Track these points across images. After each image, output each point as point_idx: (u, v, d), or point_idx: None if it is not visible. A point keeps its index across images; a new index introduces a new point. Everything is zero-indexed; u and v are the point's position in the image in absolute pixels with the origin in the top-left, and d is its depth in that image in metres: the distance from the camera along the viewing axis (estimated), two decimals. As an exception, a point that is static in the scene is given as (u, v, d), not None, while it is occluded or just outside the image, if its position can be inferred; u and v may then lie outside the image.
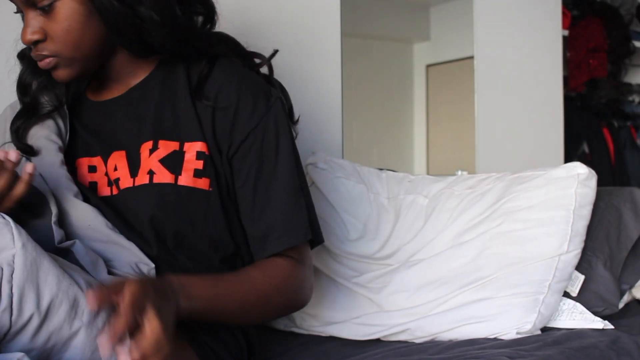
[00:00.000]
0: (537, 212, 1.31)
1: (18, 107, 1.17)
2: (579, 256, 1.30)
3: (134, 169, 1.07)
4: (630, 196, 1.48)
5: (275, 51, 1.20)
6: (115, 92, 1.15)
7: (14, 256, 0.82)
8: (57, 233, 0.98)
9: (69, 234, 1.01)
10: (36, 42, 1.03)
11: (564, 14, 2.89)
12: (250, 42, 1.30)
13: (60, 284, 0.85)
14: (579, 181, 1.32)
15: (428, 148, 2.58)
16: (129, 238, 1.03)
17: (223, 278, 1.03)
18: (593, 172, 1.35)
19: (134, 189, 1.06)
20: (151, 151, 1.07)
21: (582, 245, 1.31)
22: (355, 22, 2.15)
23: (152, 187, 1.04)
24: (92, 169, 1.11)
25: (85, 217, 1.02)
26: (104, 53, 1.09)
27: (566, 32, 3.00)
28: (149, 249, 1.05)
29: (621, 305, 1.43)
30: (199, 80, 1.09)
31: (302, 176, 1.14)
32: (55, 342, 0.85)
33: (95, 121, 1.15)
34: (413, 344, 1.26)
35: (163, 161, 1.06)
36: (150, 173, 1.05)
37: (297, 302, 1.11)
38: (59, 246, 0.97)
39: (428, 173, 2.56)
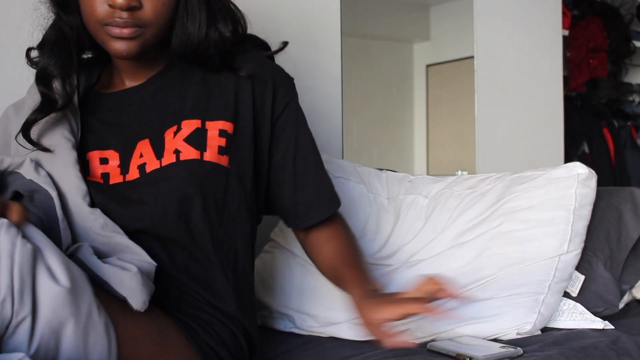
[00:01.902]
0: (537, 212, 1.31)
1: (22, 106, 1.16)
2: (579, 256, 1.30)
3: (159, 152, 1.09)
4: (630, 196, 1.48)
5: (285, 43, 1.24)
6: (127, 84, 1.17)
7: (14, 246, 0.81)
8: (65, 237, 0.98)
9: (74, 237, 1.02)
10: (131, 9, 1.03)
11: (564, 13, 2.89)
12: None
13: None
14: (579, 181, 1.32)
15: (428, 148, 2.58)
16: (146, 223, 1.05)
17: (353, 256, 1.18)
18: (593, 172, 1.35)
19: (161, 169, 1.08)
20: (175, 133, 1.10)
21: (582, 245, 1.31)
22: (355, 22, 2.15)
23: (180, 165, 1.07)
24: (104, 160, 1.12)
25: (90, 221, 1.03)
26: (163, 42, 1.11)
27: (566, 32, 3.00)
28: (169, 230, 1.06)
29: (621, 305, 1.43)
30: (231, 61, 1.14)
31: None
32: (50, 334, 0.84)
33: (110, 113, 1.16)
34: (413, 343, 1.25)
35: (188, 140, 1.09)
36: (177, 152, 1.08)
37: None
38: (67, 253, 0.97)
39: (428, 173, 2.56)
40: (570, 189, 1.31)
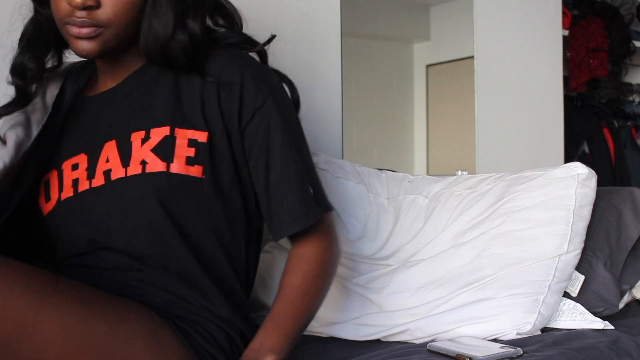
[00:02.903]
0: (537, 212, 1.31)
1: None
2: (579, 256, 1.30)
3: (125, 159, 1.06)
4: (630, 196, 1.48)
5: (273, 36, 1.20)
6: (108, 84, 1.16)
7: None
8: None
9: None
10: (87, 8, 1.01)
11: (564, 13, 2.89)
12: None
13: None
14: (579, 181, 1.32)
15: (428, 148, 2.58)
16: (116, 230, 1.05)
17: (277, 312, 1.06)
18: (593, 172, 1.35)
19: (126, 179, 1.04)
20: (143, 141, 1.06)
21: (582, 245, 1.31)
22: (355, 22, 2.15)
23: (144, 177, 1.04)
24: (75, 166, 1.11)
25: None
26: (128, 43, 1.09)
27: (566, 32, 3.00)
28: (139, 240, 1.05)
29: (621, 305, 1.43)
30: (200, 62, 1.09)
31: (308, 151, 1.14)
32: None
33: (87, 116, 1.16)
34: (413, 344, 1.25)
35: (155, 150, 1.05)
36: (143, 163, 1.04)
37: (336, 262, 1.16)
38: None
39: (428, 173, 2.56)
40: (570, 189, 1.31)
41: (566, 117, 2.69)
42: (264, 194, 1.10)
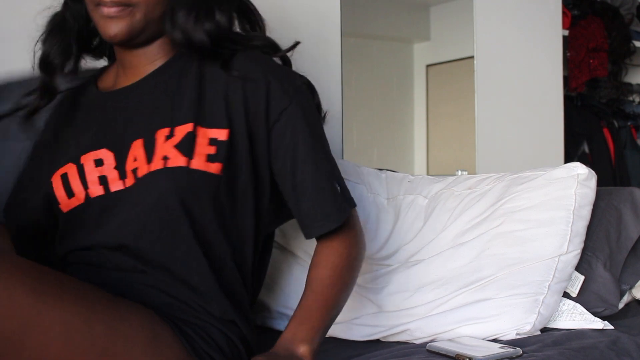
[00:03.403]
0: (537, 212, 1.31)
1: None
2: (578, 256, 1.30)
3: (150, 156, 1.07)
4: (630, 196, 1.48)
5: (297, 43, 1.21)
6: (129, 79, 1.16)
7: None
8: None
9: None
10: None
11: (564, 13, 2.89)
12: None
13: None
14: (578, 181, 1.32)
15: (428, 148, 2.58)
16: (134, 227, 1.05)
17: (307, 304, 1.09)
18: (593, 172, 1.35)
19: (149, 175, 1.05)
20: (167, 137, 1.07)
21: (581, 245, 1.31)
22: (355, 22, 2.15)
23: (165, 171, 1.04)
24: (99, 162, 1.10)
25: None
26: (153, 33, 1.11)
27: (566, 32, 3.00)
28: (150, 236, 1.05)
29: (621, 305, 1.43)
30: (225, 56, 1.11)
31: (330, 150, 1.16)
32: None
33: (106, 112, 1.15)
34: (413, 344, 1.25)
35: (178, 146, 1.06)
36: (165, 159, 1.05)
37: (361, 255, 1.18)
38: None
39: (428, 173, 2.56)
40: (570, 189, 1.31)
41: (566, 117, 2.69)
42: (293, 193, 1.11)
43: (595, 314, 1.32)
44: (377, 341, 1.31)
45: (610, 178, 3.25)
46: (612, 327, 1.28)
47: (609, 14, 3.20)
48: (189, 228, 1.05)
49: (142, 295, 1.04)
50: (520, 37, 2.52)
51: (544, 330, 1.27)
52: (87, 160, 1.10)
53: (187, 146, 1.05)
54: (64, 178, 1.11)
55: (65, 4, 1.15)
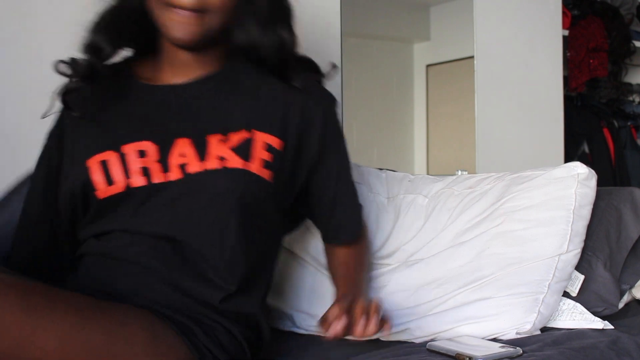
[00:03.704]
0: (537, 212, 1.31)
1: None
2: (578, 256, 1.30)
3: (202, 155, 1.08)
4: (630, 196, 1.48)
5: (334, 66, 1.26)
6: (177, 78, 1.16)
7: None
8: None
9: None
10: None
11: (564, 13, 2.89)
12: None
13: None
14: (578, 181, 1.32)
15: (428, 148, 2.58)
16: (185, 222, 1.07)
17: (346, 276, 1.27)
18: (593, 172, 1.35)
19: (205, 173, 1.07)
20: (221, 140, 1.09)
21: (581, 245, 1.31)
22: (355, 22, 2.15)
23: (225, 172, 1.07)
24: (142, 153, 1.10)
25: None
26: (215, 39, 1.13)
27: (566, 32, 3.00)
28: (197, 231, 1.07)
29: (621, 305, 1.43)
30: (284, 72, 1.16)
31: None
32: None
33: (150, 105, 1.15)
34: (413, 343, 1.25)
35: (234, 149, 1.09)
36: (222, 159, 1.08)
37: (370, 247, 1.42)
38: None
39: (428, 173, 2.56)
40: (570, 189, 1.31)
41: (566, 117, 2.69)
42: (328, 205, 1.24)
43: (595, 313, 1.32)
44: (377, 340, 1.31)
45: (610, 178, 3.25)
46: (612, 327, 1.28)
47: (609, 14, 3.20)
48: (236, 228, 1.08)
49: (154, 291, 1.04)
50: (520, 37, 2.52)
51: (544, 329, 1.27)
52: (130, 150, 1.10)
53: (244, 149, 1.09)
54: (104, 164, 1.10)
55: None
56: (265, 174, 1.10)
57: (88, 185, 1.10)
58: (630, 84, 3.53)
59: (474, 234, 1.34)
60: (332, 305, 1.03)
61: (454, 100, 2.58)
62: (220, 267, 1.07)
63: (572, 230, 1.28)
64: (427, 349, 1.16)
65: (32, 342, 0.85)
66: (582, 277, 1.34)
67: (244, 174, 1.07)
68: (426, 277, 1.33)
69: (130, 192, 1.08)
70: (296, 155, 1.16)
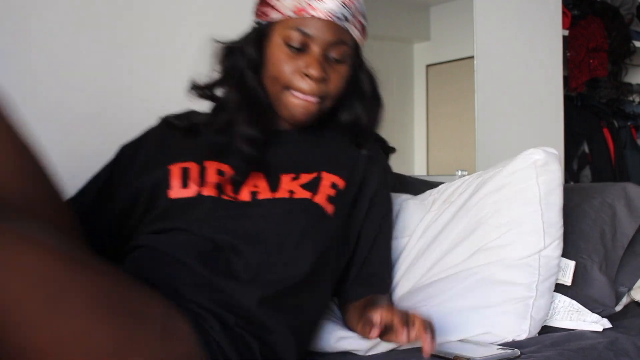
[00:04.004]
0: (505, 214, 1.26)
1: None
2: (560, 245, 1.25)
3: (273, 188, 1.18)
4: (623, 192, 1.45)
5: (393, 150, 1.41)
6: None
7: None
8: None
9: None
10: (320, 80, 1.18)
11: (564, 13, 2.89)
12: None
13: None
14: (536, 169, 1.27)
15: (428, 148, 2.59)
16: (243, 244, 1.10)
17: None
18: (552, 152, 1.29)
19: (273, 200, 1.16)
20: (293, 179, 1.19)
21: (560, 231, 1.25)
22: (355, 23, 2.14)
23: (291, 200, 1.16)
24: (220, 172, 1.18)
25: None
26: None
27: (566, 32, 3.00)
28: (258, 246, 1.11)
29: (620, 307, 1.42)
30: (360, 138, 1.29)
31: None
32: None
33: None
34: (412, 347, 1.25)
35: (303, 186, 1.19)
36: (291, 192, 1.17)
37: None
38: None
39: (428, 173, 2.56)
40: (530, 180, 1.26)
41: (566, 117, 2.70)
42: (362, 260, 1.27)
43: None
44: (378, 341, 1.31)
45: (610, 178, 3.25)
46: (610, 326, 1.28)
47: (609, 14, 3.20)
48: (297, 249, 1.13)
49: (188, 293, 1.05)
50: (520, 37, 2.53)
51: (543, 329, 1.26)
52: (211, 166, 1.19)
53: (312, 185, 1.19)
54: (184, 170, 1.18)
55: (243, 76, 1.24)
56: (329, 208, 1.18)
57: (163, 185, 1.17)
58: (630, 84, 3.53)
59: (453, 254, 1.29)
60: (374, 309, 1.04)
61: (454, 100, 2.58)
62: (265, 280, 1.09)
63: (544, 222, 1.23)
64: (426, 351, 1.16)
65: (68, 292, 0.84)
66: (572, 263, 1.31)
67: (309, 203, 1.16)
68: (412, 290, 1.30)
69: (200, 198, 1.15)
70: (353, 204, 1.25)
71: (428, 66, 2.58)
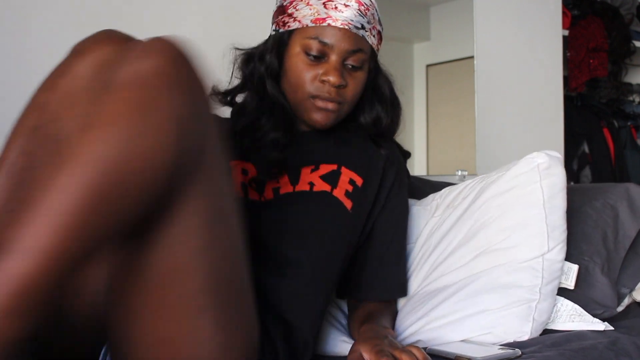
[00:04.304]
0: (509, 218, 1.26)
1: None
2: (564, 249, 1.25)
3: (294, 182, 1.21)
4: (626, 193, 1.45)
5: (408, 154, 1.43)
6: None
7: None
8: None
9: None
10: (339, 86, 1.22)
11: (564, 13, 2.89)
12: (249, 42, 1.31)
13: None
14: (540, 172, 1.27)
15: (428, 148, 2.59)
16: (273, 239, 1.15)
17: (377, 322, 1.22)
18: (555, 156, 1.29)
19: (293, 193, 1.20)
20: (312, 170, 1.23)
21: (564, 235, 1.25)
22: (355, 22, 2.14)
23: (310, 194, 1.20)
24: (245, 171, 1.23)
25: None
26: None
27: (566, 32, 3.00)
28: (286, 247, 1.15)
29: (622, 308, 1.42)
30: (379, 138, 1.31)
31: None
32: None
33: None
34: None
35: (323, 177, 1.22)
36: (311, 184, 1.21)
37: None
38: None
39: (428, 173, 2.56)
40: (534, 184, 1.26)
41: (566, 117, 2.70)
42: (376, 258, 1.28)
43: (594, 316, 1.30)
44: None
45: (610, 178, 3.25)
46: (612, 328, 1.27)
47: (609, 14, 3.20)
48: (322, 245, 1.17)
49: None
50: (520, 37, 2.53)
51: (544, 333, 1.26)
52: (236, 166, 1.24)
53: (331, 178, 1.22)
54: None
55: (262, 84, 1.27)
56: (347, 203, 1.21)
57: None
58: (630, 84, 3.53)
59: (459, 256, 1.29)
60: (361, 343, 1.05)
61: (454, 100, 2.58)
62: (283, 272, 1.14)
63: (548, 225, 1.23)
64: (428, 352, 1.16)
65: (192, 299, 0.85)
66: (575, 267, 1.30)
67: (327, 196, 1.19)
68: (414, 302, 1.30)
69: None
70: (372, 202, 1.26)
71: (428, 66, 2.58)
